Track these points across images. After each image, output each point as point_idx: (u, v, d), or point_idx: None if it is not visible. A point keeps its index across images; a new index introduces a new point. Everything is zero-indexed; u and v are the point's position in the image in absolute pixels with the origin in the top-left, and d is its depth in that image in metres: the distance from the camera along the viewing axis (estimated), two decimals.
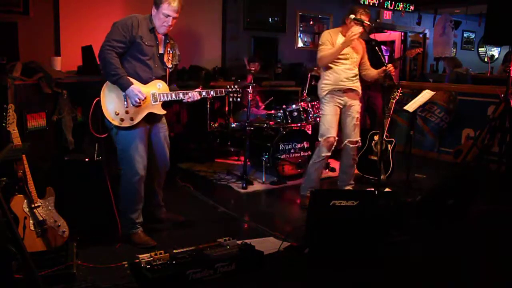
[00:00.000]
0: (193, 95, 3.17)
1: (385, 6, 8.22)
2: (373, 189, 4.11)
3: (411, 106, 4.53)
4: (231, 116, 5.62)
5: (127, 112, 2.99)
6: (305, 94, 5.46)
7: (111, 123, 2.98)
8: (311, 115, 5.08)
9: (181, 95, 3.13)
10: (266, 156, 4.71)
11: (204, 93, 3.22)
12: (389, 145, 4.65)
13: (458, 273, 2.86)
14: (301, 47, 7.45)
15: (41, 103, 3.85)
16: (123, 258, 2.81)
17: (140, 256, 2.56)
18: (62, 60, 4.71)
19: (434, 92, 4.81)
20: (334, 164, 5.52)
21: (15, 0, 4.54)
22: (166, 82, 3.16)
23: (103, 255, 2.90)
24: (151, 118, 3.13)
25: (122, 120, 2.97)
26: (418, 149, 6.20)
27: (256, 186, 4.62)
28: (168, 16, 3.00)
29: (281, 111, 4.97)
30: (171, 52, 3.19)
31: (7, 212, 1.93)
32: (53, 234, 2.75)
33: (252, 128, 4.72)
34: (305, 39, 7.51)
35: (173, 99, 3.13)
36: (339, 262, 2.84)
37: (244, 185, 4.53)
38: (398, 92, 4.38)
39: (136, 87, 2.96)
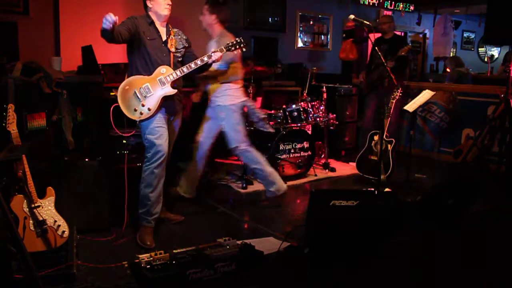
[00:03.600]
0: (201, 62, 3.20)
1: (385, 6, 8.22)
2: (373, 189, 4.11)
3: (411, 106, 4.53)
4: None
5: (143, 105, 3.13)
6: (305, 94, 5.47)
7: (137, 121, 3.15)
8: (311, 115, 5.08)
9: (184, 70, 3.17)
10: (266, 156, 4.70)
11: (205, 58, 3.22)
12: (389, 145, 4.65)
13: (458, 273, 2.85)
14: (301, 47, 7.45)
15: (41, 103, 3.84)
16: (123, 258, 2.81)
17: (140, 256, 2.57)
18: (62, 60, 4.70)
19: (434, 92, 4.81)
20: (334, 164, 5.54)
21: (15, 0, 4.54)
22: (170, 66, 3.23)
23: (103, 255, 2.90)
24: (169, 107, 3.26)
25: (141, 113, 3.12)
26: (418, 149, 6.20)
27: (256, 186, 4.61)
28: None
29: (281, 111, 4.97)
30: (174, 38, 3.30)
31: (7, 212, 1.93)
32: (53, 234, 2.74)
33: (252, 128, 4.72)
34: (305, 39, 7.51)
35: (178, 75, 3.17)
36: (339, 262, 2.84)
37: (244, 185, 4.53)
38: (398, 92, 4.38)
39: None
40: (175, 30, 3.37)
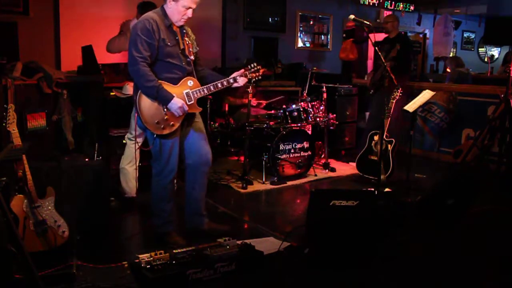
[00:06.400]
0: (227, 83, 3.07)
1: (385, 6, 8.22)
2: (373, 189, 4.11)
3: (411, 106, 4.53)
4: (231, 116, 5.62)
5: (167, 120, 2.95)
6: (305, 94, 5.47)
7: (154, 133, 2.95)
8: (311, 115, 5.08)
9: (212, 88, 3.04)
10: (266, 156, 4.71)
11: (231, 80, 3.09)
12: (389, 145, 4.65)
13: (458, 273, 2.85)
14: (301, 47, 7.46)
15: (41, 103, 3.85)
16: (123, 258, 2.81)
17: (140, 256, 2.56)
18: (62, 60, 4.71)
19: (434, 92, 4.81)
20: (334, 164, 5.53)
21: (15, 0, 4.54)
22: (194, 75, 3.09)
23: (103, 255, 2.90)
24: (187, 117, 3.08)
25: (164, 128, 2.96)
26: (418, 149, 6.20)
27: (256, 186, 4.61)
28: (189, 8, 2.92)
29: (281, 111, 4.97)
30: (189, 42, 3.09)
31: (7, 212, 1.93)
32: (53, 234, 2.74)
33: (252, 128, 4.72)
34: (305, 39, 7.51)
35: (205, 93, 3.05)
36: (339, 262, 2.84)
37: (244, 185, 4.53)
38: (398, 92, 4.38)
39: (178, 100, 2.91)
40: (186, 28, 3.10)
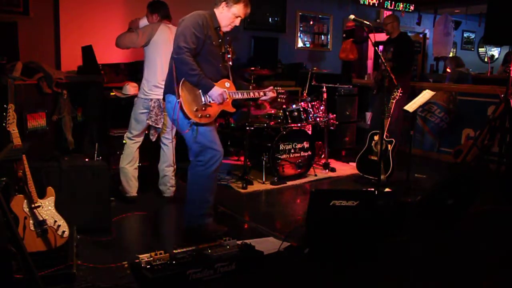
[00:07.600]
0: (258, 95, 3.29)
1: (385, 6, 8.22)
2: (373, 189, 4.11)
3: (411, 106, 4.53)
4: (231, 116, 5.62)
5: (204, 109, 3.08)
6: (305, 94, 5.47)
7: (191, 120, 3.06)
8: (311, 115, 5.08)
9: (245, 95, 3.23)
10: (266, 156, 4.71)
11: (261, 93, 3.32)
12: (389, 145, 4.65)
13: (458, 273, 2.85)
14: (301, 47, 7.45)
15: (41, 103, 3.85)
16: (123, 258, 2.81)
17: (140, 256, 2.56)
18: (62, 60, 4.70)
19: (434, 92, 4.81)
20: (334, 164, 5.54)
21: (15, 0, 4.54)
22: (230, 80, 3.24)
23: (103, 255, 2.90)
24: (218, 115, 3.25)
25: (201, 117, 3.07)
26: (418, 149, 6.20)
27: (256, 186, 4.61)
28: (238, 17, 3.09)
29: (281, 111, 4.97)
30: (230, 48, 3.24)
31: (7, 212, 1.93)
32: (53, 234, 2.74)
33: (252, 128, 4.72)
34: (305, 39, 7.51)
35: (239, 97, 3.22)
36: (339, 262, 2.84)
37: (244, 185, 4.53)
38: (398, 92, 4.38)
39: (219, 88, 3.05)
40: (229, 38, 3.28)
